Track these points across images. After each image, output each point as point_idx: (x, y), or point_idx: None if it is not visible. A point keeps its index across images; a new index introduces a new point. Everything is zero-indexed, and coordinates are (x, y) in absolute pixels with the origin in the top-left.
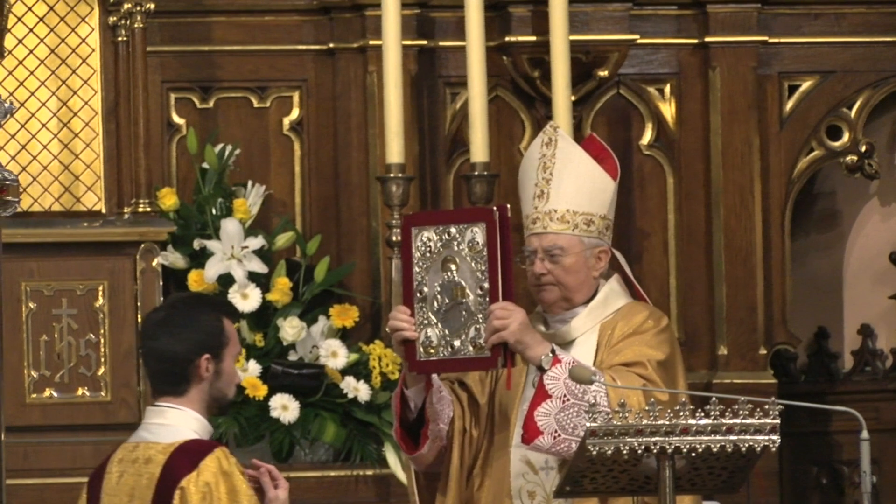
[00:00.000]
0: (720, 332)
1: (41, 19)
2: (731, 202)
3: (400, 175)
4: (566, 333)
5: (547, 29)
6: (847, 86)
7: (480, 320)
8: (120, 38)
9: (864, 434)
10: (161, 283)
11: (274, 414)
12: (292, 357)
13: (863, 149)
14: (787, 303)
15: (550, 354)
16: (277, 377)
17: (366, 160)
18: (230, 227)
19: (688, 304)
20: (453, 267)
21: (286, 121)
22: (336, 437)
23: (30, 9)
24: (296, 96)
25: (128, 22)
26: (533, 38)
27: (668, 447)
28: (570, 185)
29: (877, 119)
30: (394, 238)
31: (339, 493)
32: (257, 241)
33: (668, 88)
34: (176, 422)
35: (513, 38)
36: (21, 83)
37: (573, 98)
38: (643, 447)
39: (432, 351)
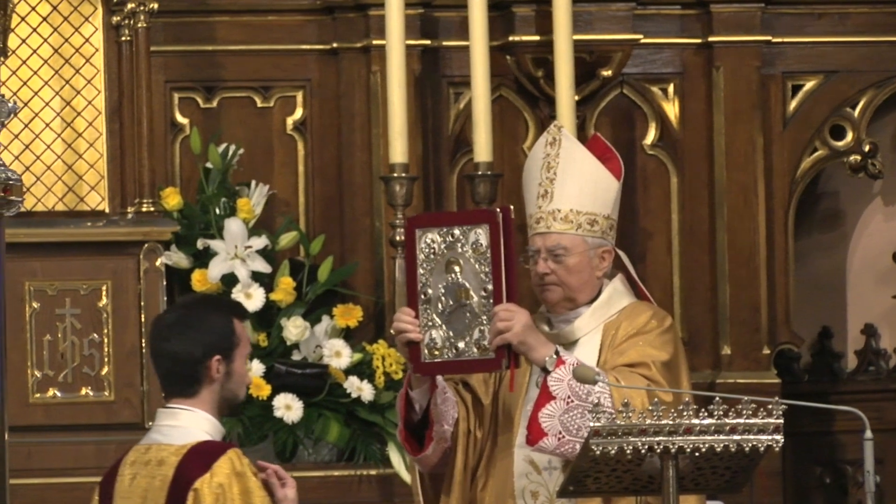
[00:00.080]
0: (723, 331)
1: (45, 19)
2: (734, 202)
3: (403, 175)
4: (570, 333)
5: (550, 28)
6: (851, 85)
7: (484, 322)
8: (123, 38)
9: (868, 434)
10: (164, 283)
11: (277, 414)
12: (296, 357)
13: (866, 148)
14: (791, 302)
15: (554, 356)
16: (281, 377)
17: (369, 160)
18: (234, 226)
19: (691, 303)
20: (457, 269)
21: (290, 120)
22: (339, 437)
23: (33, 8)
24: (299, 96)
25: (131, 21)
26: (536, 38)
27: (671, 447)
28: (573, 184)
29: (880, 119)
30: (397, 238)
31: (343, 493)
32: (261, 241)
33: (671, 88)
34: (188, 423)
35: (516, 38)
36: (24, 83)
37: (577, 98)
38: (647, 447)
39: (437, 352)
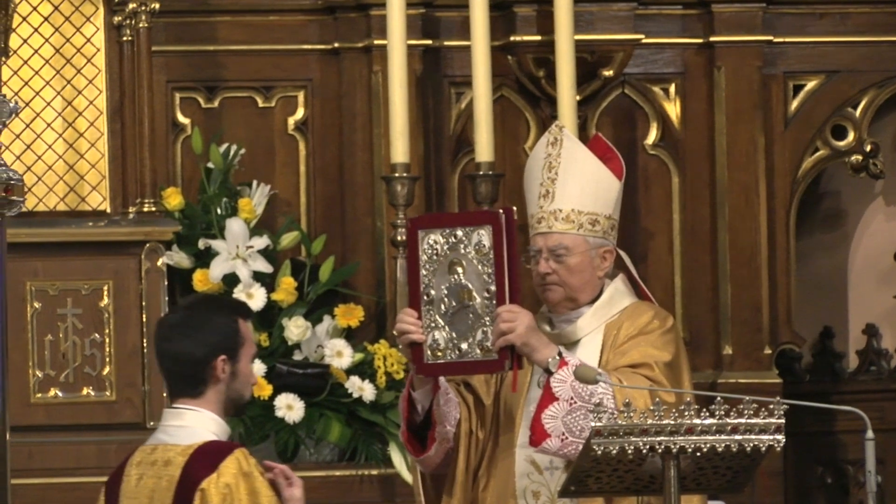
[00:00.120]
0: (725, 331)
1: (46, 19)
2: (735, 202)
3: (405, 175)
4: (571, 333)
5: (552, 28)
6: (852, 85)
7: (487, 323)
8: (125, 38)
9: (869, 434)
10: (166, 283)
11: (279, 413)
12: (297, 357)
13: (868, 148)
14: (792, 302)
15: (557, 357)
16: (282, 377)
17: (370, 160)
18: (235, 226)
19: (692, 303)
20: (460, 270)
21: (291, 120)
22: (341, 437)
23: (35, 8)
24: (301, 96)
25: (133, 21)
26: (538, 38)
27: (672, 447)
28: (575, 184)
29: (882, 119)
30: (398, 238)
31: (344, 493)
32: (262, 241)
33: (672, 88)
34: (194, 423)
35: (518, 38)
36: (26, 83)
37: (578, 98)
38: (648, 447)
39: (439, 354)
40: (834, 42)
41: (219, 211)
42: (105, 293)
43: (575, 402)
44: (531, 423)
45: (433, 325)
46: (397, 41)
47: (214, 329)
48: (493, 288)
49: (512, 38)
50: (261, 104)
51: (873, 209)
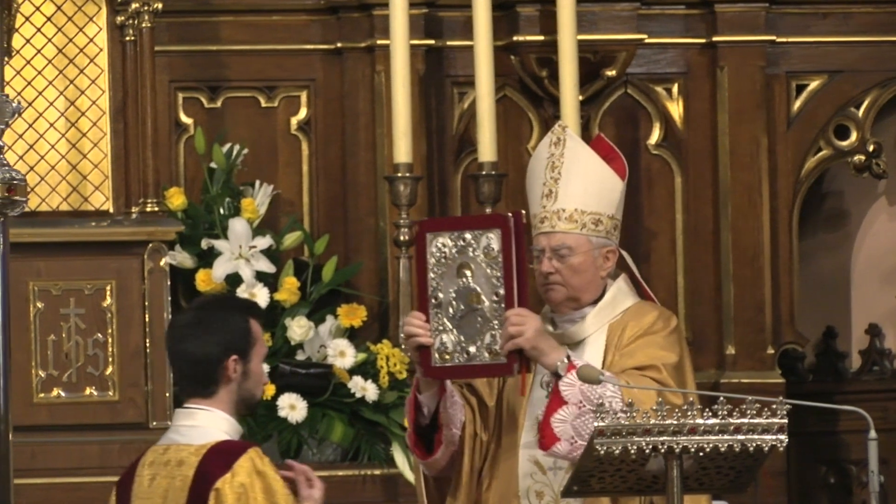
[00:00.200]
0: (728, 331)
1: (49, 19)
2: (738, 202)
3: (408, 175)
4: (574, 334)
5: (555, 28)
6: (855, 85)
7: (496, 326)
8: (128, 38)
9: (872, 434)
10: (169, 283)
11: (282, 413)
12: (300, 357)
13: (870, 148)
14: (795, 302)
15: (566, 360)
16: (285, 377)
17: (373, 160)
18: (238, 226)
19: (695, 303)
20: (468, 273)
21: (294, 120)
22: (344, 437)
23: (37, 8)
24: (303, 96)
25: (135, 21)
26: (541, 38)
27: (675, 447)
28: (578, 184)
29: (885, 118)
30: (401, 238)
31: (347, 493)
32: (265, 241)
33: (675, 88)
34: (206, 423)
35: (520, 38)
36: (29, 83)
37: (581, 98)
38: (651, 447)
39: (447, 357)
40: (837, 42)
41: (222, 211)
42: (108, 293)
43: (584, 406)
44: (540, 426)
45: (441, 328)
46: (400, 41)
47: (226, 329)
48: (501, 291)
49: (515, 38)
50: (264, 104)
51: (876, 209)
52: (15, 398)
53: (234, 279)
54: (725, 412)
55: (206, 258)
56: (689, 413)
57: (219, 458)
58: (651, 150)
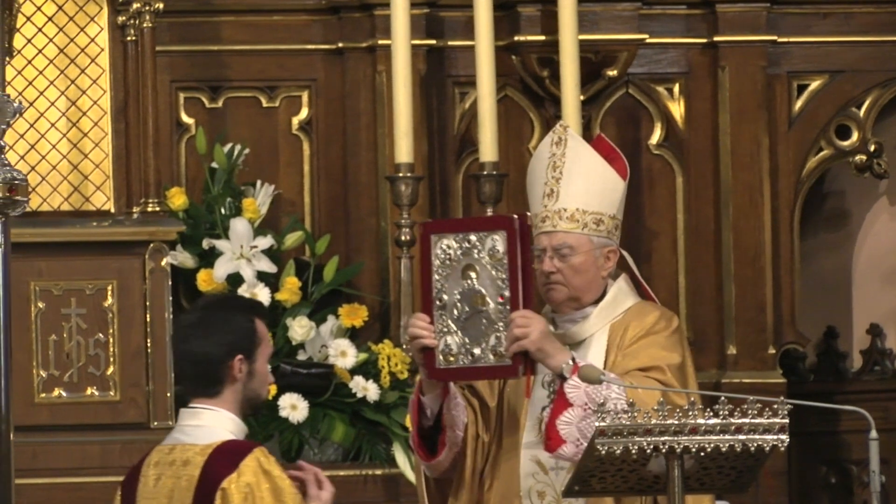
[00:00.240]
0: (729, 331)
1: (50, 19)
2: (739, 202)
3: (409, 175)
4: (575, 334)
5: (556, 28)
6: (856, 85)
7: (501, 328)
8: (129, 38)
9: (873, 433)
10: (170, 283)
11: (283, 413)
12: (301, 357)
13: (872, 148)
14: (796, 302)
15: (571, 363)
16: (286, 376)
17: (375, 160)
18: (239, 226)
19: (696, 303)
20: (473, 275)
21: (295, 120)
22: (345, 437)
23: (39, 8)
24: (305, 96)
25: (137, 21)
26: (542, 38)
27: (676, 447)
28: (579, 184)
29: (886, 118)
30: (403, 238)
31: (348, 493)
32: (266, 241)
33: (676, 88)
34: (211, 423)
35: (522, 38)
36: (30, 83)
37: (582, 97)
38: (652, 447)
39: (452, 359)
40: (838, 42)
41: (223, 211)
42: (109, 293)
43: (589, 408)
44: (545, 428)
45: (446, 329)
46: (401, 41)
47: (231, 329)
48: (506, 293)
49: (516, 38)
50: (265, 104)
51: (877, 209)
52: (16, 398)
53: (235, 279)
54: (726, 412)
55: (208, 258)
56: (690, 413)
57: (225, 458)
58: (652, 150)
